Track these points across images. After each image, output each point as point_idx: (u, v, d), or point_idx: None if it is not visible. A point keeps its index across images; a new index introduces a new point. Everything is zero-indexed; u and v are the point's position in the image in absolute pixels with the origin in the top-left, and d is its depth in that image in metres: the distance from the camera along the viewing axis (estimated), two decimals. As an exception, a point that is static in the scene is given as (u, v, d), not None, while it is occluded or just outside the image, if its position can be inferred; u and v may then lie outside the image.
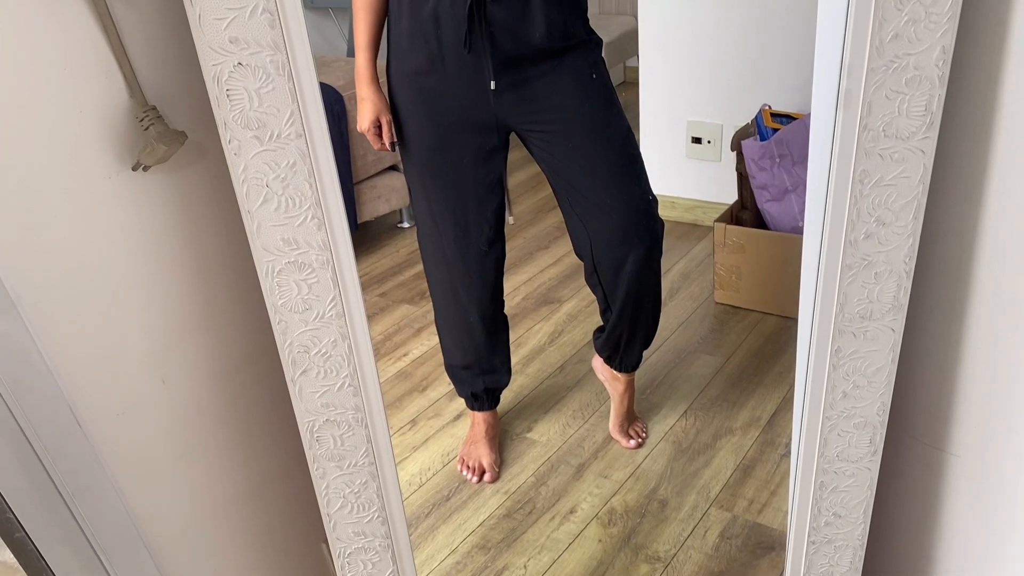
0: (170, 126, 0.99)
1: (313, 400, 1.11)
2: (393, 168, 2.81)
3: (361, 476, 1.16)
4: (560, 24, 1.43)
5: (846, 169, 0.98)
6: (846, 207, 0.99)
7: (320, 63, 2.40)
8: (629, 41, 3.43)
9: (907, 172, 0.97)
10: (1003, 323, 1.05)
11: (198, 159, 1.05)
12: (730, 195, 2.49)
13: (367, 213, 2.77)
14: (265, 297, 1.05)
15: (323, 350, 1.08)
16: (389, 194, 2.78)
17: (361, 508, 1.19)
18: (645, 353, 1.95)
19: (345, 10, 2.98)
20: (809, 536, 1.23)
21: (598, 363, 2.02)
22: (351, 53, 2.58)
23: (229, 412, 1.22)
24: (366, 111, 1.53)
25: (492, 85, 1.44)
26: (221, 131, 0.95)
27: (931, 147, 0.96)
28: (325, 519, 1.20)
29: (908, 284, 1.03)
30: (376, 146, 1.59)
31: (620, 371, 1.93)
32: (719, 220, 2.38)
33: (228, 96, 0.93)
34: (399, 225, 2.86)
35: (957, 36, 0.90)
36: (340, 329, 1.07)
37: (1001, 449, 1.13)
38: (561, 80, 1.48)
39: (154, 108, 0.98)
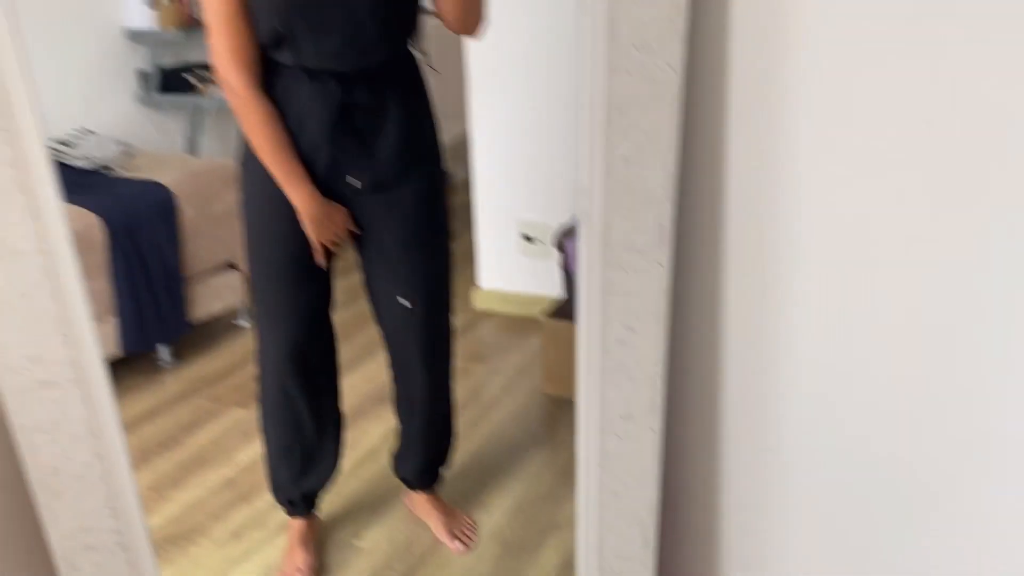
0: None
1: (69, 524, 1.05)
2: (231, 266, 2.77)
3: (125, 604, 1.10)
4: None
5: (594, 278, 1.04)
6: (597, 318, 1.05)
7: (155, 160, 2.36)
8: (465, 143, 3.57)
9: (648, 282, 1.04)
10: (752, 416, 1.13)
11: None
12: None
13: (200, 312, 2.70)
14: (11, 417, 0.99)
15: (76, 471, 1.03)
16: (224, 292, 2.72)
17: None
18: (475, 448, 1.95)
19: (181, 109, 2.96)
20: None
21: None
22: (190, 151, 2.55)
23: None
24: (338, 219, 1.49)
25: (358, 184, 1.46)
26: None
27: (667, 259, 1.03)
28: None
29: (660, 387, 1.09)
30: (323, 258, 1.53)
31: (417, 489, 1.93)
32: (547, 314, 2.45)
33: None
34: (235, 322, 2.79)
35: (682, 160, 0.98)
36: (92, 448, 1.02)
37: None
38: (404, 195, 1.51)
39: None
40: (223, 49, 1.32)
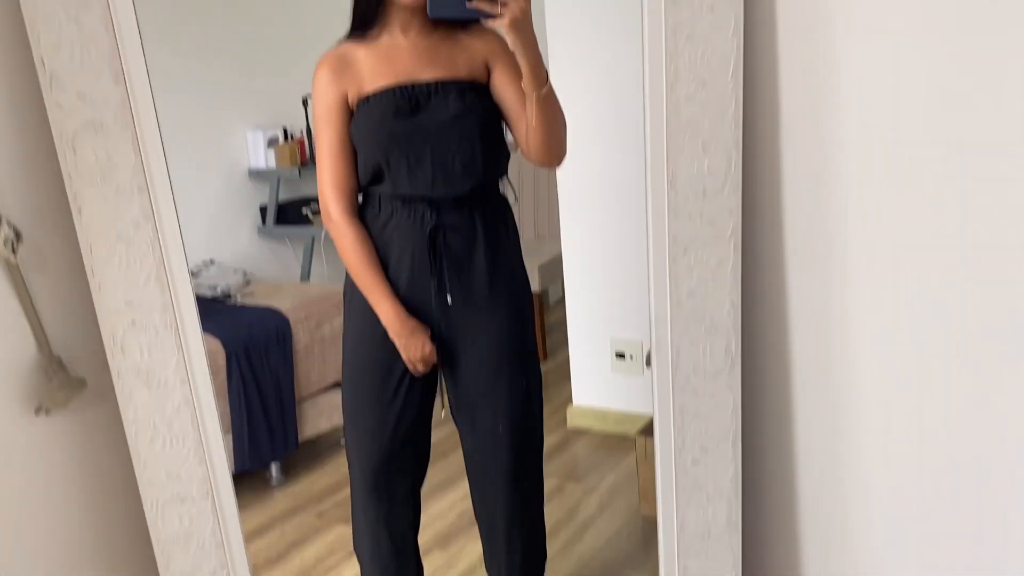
0: (71, 375, 1.12)
1: (194, 628, 1.16)
2: (337, 385, 2.91)
3: None
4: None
5: (666, 403, 1.11)
6: (671, 441, 1.12)
7: (272, 288, 2.58)
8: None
9: (719, 406, 1.11)
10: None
11: (96, 403, 1.17)
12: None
13: (309, 431, 2.84)
14: (149, 528, 1.13)
15: (203, 579, 1.14)
16: (331, 411, 2.87)
17: None
18: (570, 570, 1.93)
19: (296, 239, 3.23)
20: None
21: None
22: (304, 278, 2.74)
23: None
24: (421, 335, 1.54)
25: (449, 300, 1.56)
26: (115, 379, 1.08)
27: (736, 383, 1.10)
28: None
29: (736, 504, 1.13)
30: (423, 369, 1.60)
31: None
32: (640, 432, 2.47)
33: (122, 350, 1.07)
34: (342, 442, 2.91)
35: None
36: (219, 558, 1.14)
37: None
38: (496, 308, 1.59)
39: (58, 359, 1.11)
40: (326, 181, 1.50)
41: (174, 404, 1.10)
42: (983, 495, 1.09)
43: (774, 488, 1.19)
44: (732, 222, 1.05)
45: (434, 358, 1.61)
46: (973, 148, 1.01)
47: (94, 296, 1.06)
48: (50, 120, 1.03)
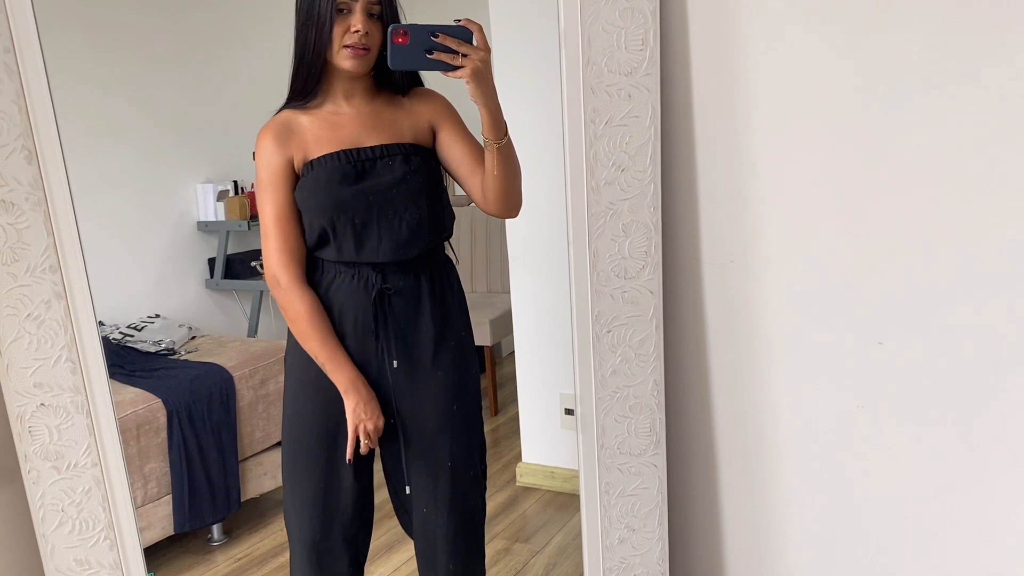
0: (-23, 457, 1.08)
1: None
2: (280, 444, 2.86)
3: None
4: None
5: (592, 481, 1.11)
6: (598, 519, 1.11)
7: (216, 343, 2.53)
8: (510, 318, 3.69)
9: (645, 483, 1.10)
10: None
11: (2, 486, 1.13)
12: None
13: (252, 490, 2.78)
14: (57, 617, 1.08)
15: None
16: (275, 470, 2.81)
17: None
18: None
19: (244, 293, 3.19)
20: None
21: None
22: (252, 333, 2.68)
23: None
24: (374, 407, 1.47)
25: (394, 364, 1.53)
26: (22, 463, 1.05)
27: (661, 461, 1.10)
28: None
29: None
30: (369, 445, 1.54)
31: None
32: (587, 492, 2.46)
33: (30, 432, 1.04)
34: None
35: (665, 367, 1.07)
36: (130, 648, 1.10)
37: None
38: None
39: (-37, 442, 1.07)
40: (272, 247, 1.47)
41: (84, 487, 1.06)
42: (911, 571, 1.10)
43: (702, 567, 1.18)
44: (654, 302, 1.06)
45: (382, 430, 1.57)
46: (878, 231, 1.04)
47: (1, 377, 1.03)
48: (-43, 199, 1.01)
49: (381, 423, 1.51)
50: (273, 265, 1.46)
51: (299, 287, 1.49)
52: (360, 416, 1.54)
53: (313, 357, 1.52)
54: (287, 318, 1.53)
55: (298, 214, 1.46)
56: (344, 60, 1.25)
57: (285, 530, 2.23)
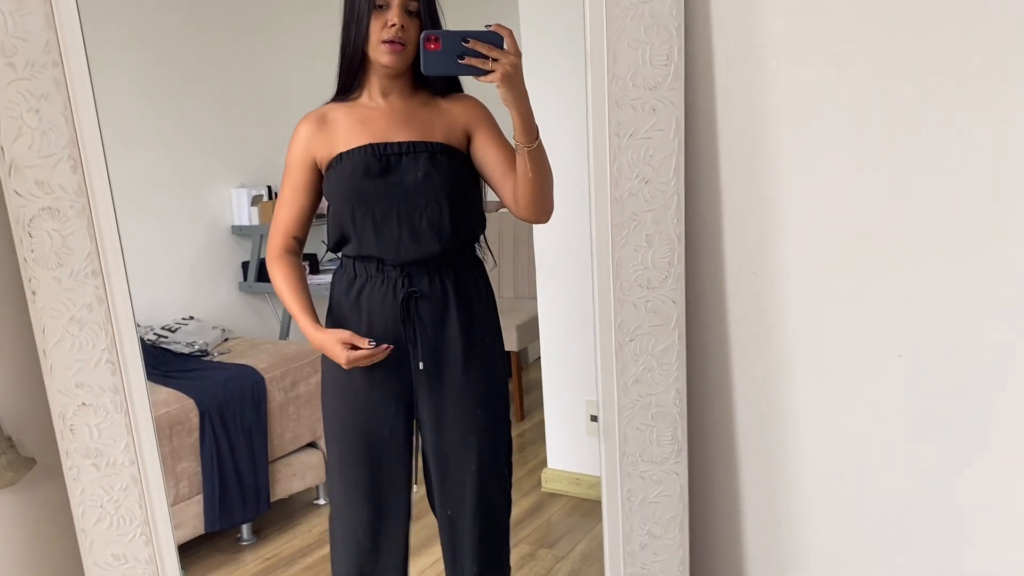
0: (21, 454, 1.12)
1: None
2: (311, 445, 2.90)
3: None
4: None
5: (614, 487, 1.12)
6: (619, 526, 1.13)
7: (249, 345, 2.58)
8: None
9: (667, 491, 1.12)
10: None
11: (45, 482, 1.17)
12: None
13: (281, 491, 2.82)
14: (95, 609, 1.12)
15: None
16: (305, 471, 2.85)
17: None
18: None
19: (276, 296, 3.24)
20: None
21: None
22: (283, 336, 2.73)
23: None
24: (334, 340, 1.55)
25: (421, 366, 1.56)
26: (64, 459, 1.09)
27: (683, 469, 1.11)
28: None
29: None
30: (367, 358, 1.55)
31: None
32: (611, 498, 2.46)
33: (71, 430, 1.08)
34: (315, 502, 2.88)
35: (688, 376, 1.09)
36: (163, 641, 1.13)
37: None
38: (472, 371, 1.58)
39: (9, 439, 1.11)
40: (274, 224, 1.53)
41: (122, 484, 1.10)
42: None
43: (723, 574, 1.19)
44: (676, 312, 1.07)
45: (367, 350, 1.54)
46: (901, 244, 1.05)
47: (45, 378, 1.07)
48: (7, 206, 1.05)
49: (359, 344, 1.49)
50: (269, 238, 1.50)
51: (281, 255, 1.53)
52: (338, 357, 1.52)
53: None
54: (273, 286, 1.56)
55: (304, 200, 1.50)
56: (382, 55, 1.28)
57: (318, 527, 2.24)
